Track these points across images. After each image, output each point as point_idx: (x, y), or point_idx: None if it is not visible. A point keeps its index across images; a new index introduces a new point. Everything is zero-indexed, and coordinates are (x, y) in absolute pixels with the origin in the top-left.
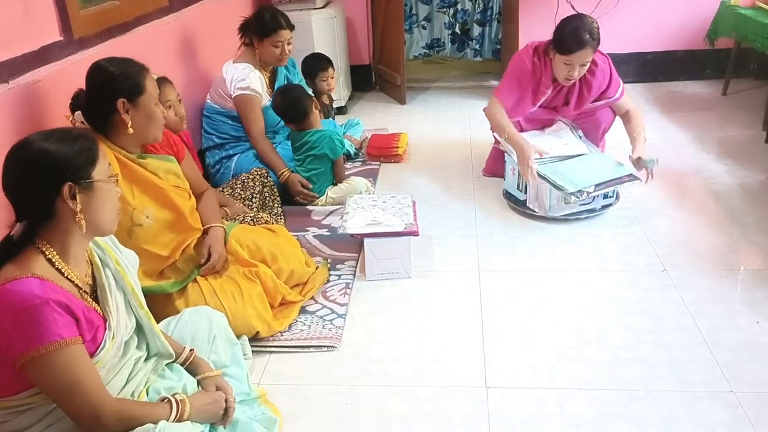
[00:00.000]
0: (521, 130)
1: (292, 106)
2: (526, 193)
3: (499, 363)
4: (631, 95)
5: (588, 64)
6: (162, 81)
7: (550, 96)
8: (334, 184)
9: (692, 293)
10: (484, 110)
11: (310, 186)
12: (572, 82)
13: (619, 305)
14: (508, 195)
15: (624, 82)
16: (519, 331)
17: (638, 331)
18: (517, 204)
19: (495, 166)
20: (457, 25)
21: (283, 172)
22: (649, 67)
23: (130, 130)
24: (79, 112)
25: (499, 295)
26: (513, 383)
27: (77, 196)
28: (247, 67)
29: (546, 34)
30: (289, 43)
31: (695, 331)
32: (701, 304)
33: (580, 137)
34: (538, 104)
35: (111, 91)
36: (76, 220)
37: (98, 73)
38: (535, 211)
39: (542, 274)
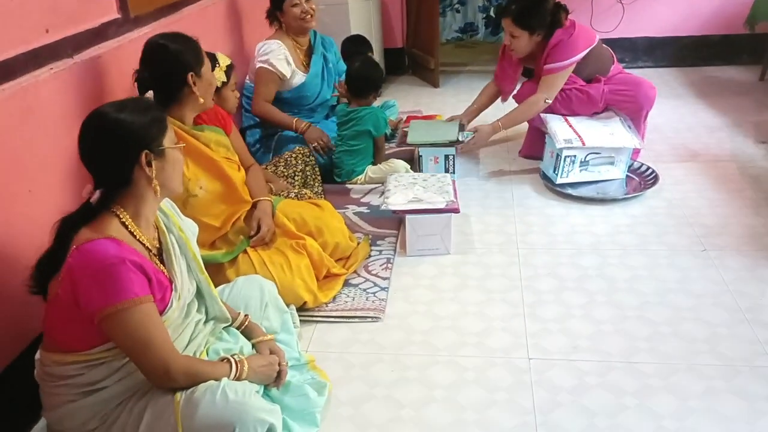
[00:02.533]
0: (574, 114)
1: (368, 80)
2: (561, 176)
3: (539, 336)
4: (667, 80)
5: (519, 39)
6: (231, 66)
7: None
8: (374, 164)
9: (732, 273)
10: None
11: (328, 141)
12: (515, 53)
13: (659, 283)
14: (544, 176)
15: (659, 66)
16: (558, 306)
17: (678, 308)
18: (554, 185)
19: (532, 147)
20: (491, 8)
21: (296, 124)
22: (685, 52)
23: (201, 100)
24: (151, 92)
25: (538, 272)
26: (554, 355)
27: (152, 163)
28: (277, 43)
29: (580, 17)
30: (307, 1)
31: (735, 309)
32: (741, 283)
33: (629, 127)
34: (515, 83)
35: (181, 67)
36: (152, 185)
37: (164, 51)
38: (570, 193)
39: (580, 252)
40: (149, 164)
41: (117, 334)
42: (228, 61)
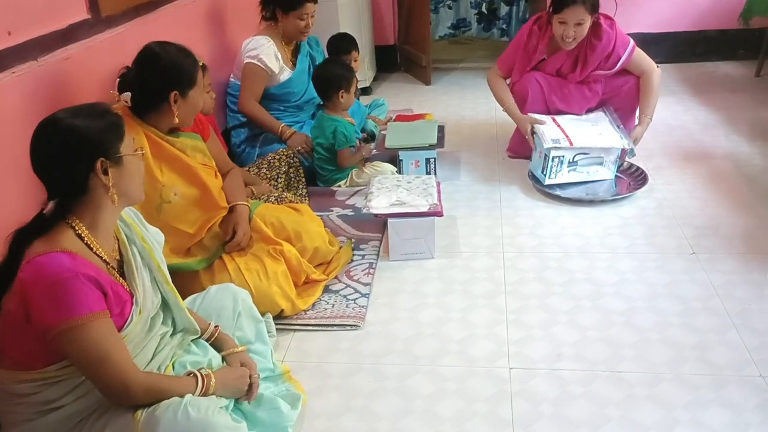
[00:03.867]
0: (558, 112)
1: (319, 80)
2: (549, 177)
3: (522, 344)
4: (662, 76)
5: (585, 24)
6: (203, 67)
7: (555, 62)
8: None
9: (722, 276)
10: (488, 80)
11: (311, 146)
12: (571, 44)
13: (647, 288)
14: (533, 177)
15: (654, 63)
16: (543, 312)
17: (666, 313)
18: (543, 186)
19: (520, 146)
20: (484, 4)
21: (282, 130)
22: (680, 47)
23: (176, 120)
24: (129, 93)
25: (524, 276)
26: (537, 364)
27: (109, 171)
28: (266, 38)
29: None
30: (312, 16)
31: (724, 315)
32: (731, 287)
33: (618, 127)
34: (531, 66)
35: (168, 82)
36: (109, 194)
37: (154, 61)
38: (559, 194)
39: (568, 255)
40: (105, 172)
41: (71, 352)
42: (201, 62)
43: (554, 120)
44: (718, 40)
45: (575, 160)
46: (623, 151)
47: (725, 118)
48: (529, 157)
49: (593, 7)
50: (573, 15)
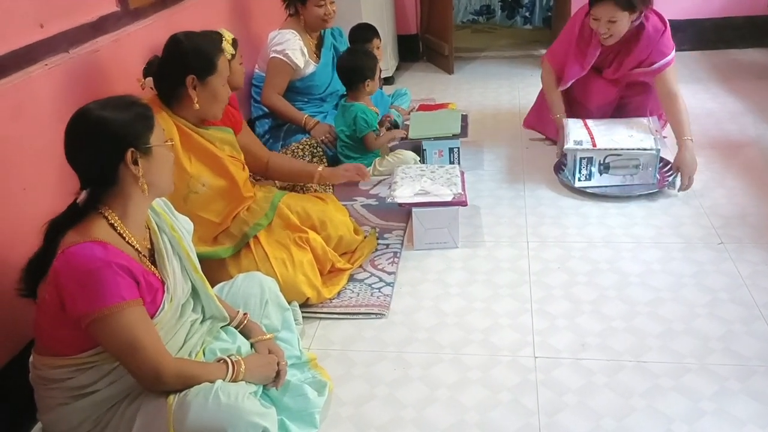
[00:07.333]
0: (588, 101)
1: (344, 70)
2: (580, 180)
3: (547, 333)
4: (687, 63)
5: (619, 21)
6: (234, 42)
7: (600, 56)
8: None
9: (749, 266)
10: (541, 79)
11: (334, 135)
12: (608, 40)
13: (673, 278)
14: (559, 169)
15: (681, 50)
16: (568, 302)
17: (692, 304)
18: (573, 186)
19: (537, 121)
20: None
21: (306, 121)
22: (707, 34)
23: (197, 106)
24: (151, 78)
25: (548, 266)
26: (561, 354)
27: (139, 161)
28: (292, 33)
29: None
30: (332, 2)
31: (751, 305)
32: (758, 277)
33: (653, 132)
34: (587, 68)
35: (183, 66)
36: (139, 184)
37: (174, 45)
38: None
39: (592, 245)
40: (135, 162)
41: (105, 339)
42: (232, 36)
43: (585, 123)
44: (746, 27)
45: (606, 161)
46: (663, 177)
47: (753, 105)
48: (543, 134)
49: (627, 4)
50: (604, 12)
